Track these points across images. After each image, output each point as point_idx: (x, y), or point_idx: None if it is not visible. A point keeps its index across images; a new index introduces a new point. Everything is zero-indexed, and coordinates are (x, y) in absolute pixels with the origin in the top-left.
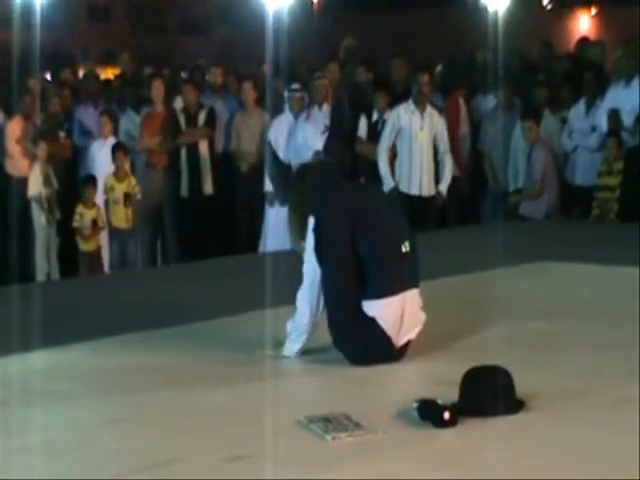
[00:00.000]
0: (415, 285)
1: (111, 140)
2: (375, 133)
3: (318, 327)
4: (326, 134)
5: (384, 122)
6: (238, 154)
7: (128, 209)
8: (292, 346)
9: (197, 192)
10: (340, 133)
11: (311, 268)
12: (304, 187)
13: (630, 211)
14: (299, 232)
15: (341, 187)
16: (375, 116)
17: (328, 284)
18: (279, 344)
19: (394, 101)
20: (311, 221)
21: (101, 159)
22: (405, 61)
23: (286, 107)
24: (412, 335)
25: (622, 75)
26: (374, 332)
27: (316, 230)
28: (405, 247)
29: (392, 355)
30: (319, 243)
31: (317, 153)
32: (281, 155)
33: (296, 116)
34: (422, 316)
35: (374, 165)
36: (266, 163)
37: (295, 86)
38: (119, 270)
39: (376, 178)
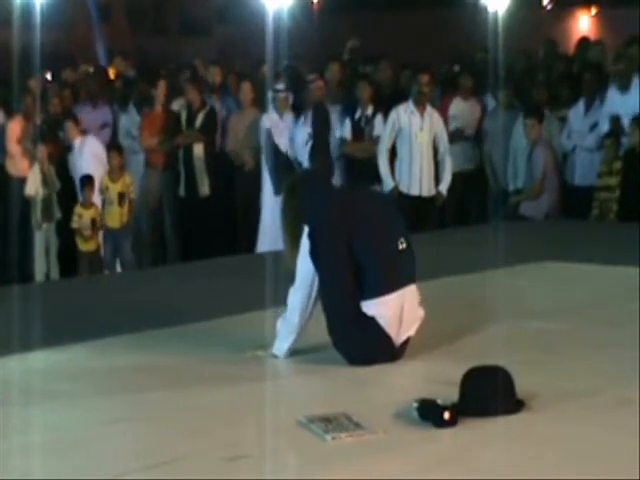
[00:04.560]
0: (412, 281)
1: (79, 141)
2: (359, 130)
3: (310, 327)
4: (310, 143)
5: (367, 118)
6: (234, 154)
7: (123, 209)
8: (281, 345)
9: (194, 193)
10: (323, 140)
11: (304, 268)
12: (295, 204)
13: (629, 211)
14: (293, 250)
15: (332, 192)
16: (358, 112)
17: (326, 288)
18: (270, 344)
19: (381, 102)
20: (305, 230)
21: (75, 162)
22: (391, 62)
23: (270, 107)
24: (411, 332)
25: (620, 77)
26: (374, 332)
27: (311, 236)
28: (401, 244)
29: (392, 354)
30: (315, 248)
31: None
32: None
33: (281, 115)
34: (421, 312)
35: (363, 164)
36: (264, 152)
37: (279, 86)
38: (114, 270)
39: (368, 177)
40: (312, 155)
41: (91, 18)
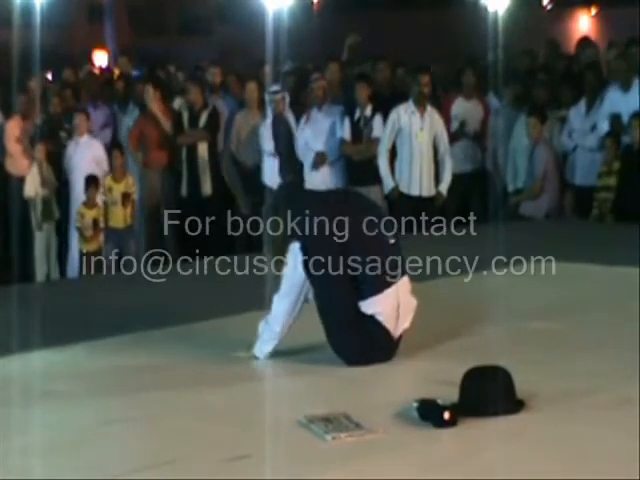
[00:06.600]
0: (404, 272)
1: (85, 139)
2: (358, 131)
3: (309, 327)
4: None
5: (366, 119)
6: (239, 154)
7: (126, 209)
8: (263, 348)
9: (196, 192)
10: (288, 151)
11: (292, 279)
12: (279, 220)
13: (626, 210)
14: (278, 262)
15: (315, 201)
16: (357, 113)
17: (323, 296)
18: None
19: (379, 102)
20: (296, 244)
21: (76, 159)
22: (390, 63)
23: (268, 110)
24: (407, 323)
25: (618, 78)
26: (373, 330)
27: (303, 249)
28: (391, 239)
29: (391, 348)
30: (309, 259)
31: (319, 154)
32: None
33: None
34: (414, 301)
35: (362, 164)
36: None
37: (275, 88)
38: (117, 271)
39: (367, 177)
40: (280, 169)
41: (105, 18)
